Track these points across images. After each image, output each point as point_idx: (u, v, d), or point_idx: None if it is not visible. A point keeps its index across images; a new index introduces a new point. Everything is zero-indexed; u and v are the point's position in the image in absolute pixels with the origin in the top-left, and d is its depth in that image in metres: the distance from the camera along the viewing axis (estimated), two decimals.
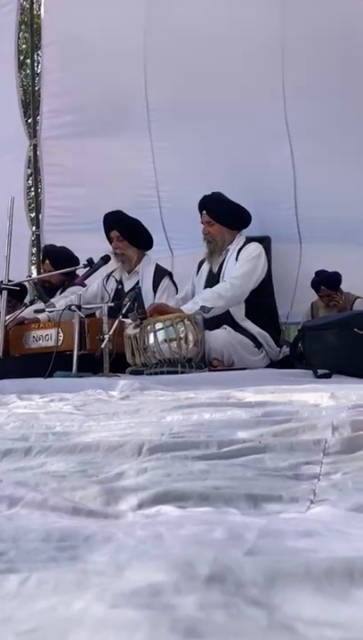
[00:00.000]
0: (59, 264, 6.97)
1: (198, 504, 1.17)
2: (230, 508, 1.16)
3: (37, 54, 9.38)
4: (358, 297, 6.98)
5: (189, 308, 5.77)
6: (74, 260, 6.92)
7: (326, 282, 7.07)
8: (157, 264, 6.67)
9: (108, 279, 6.54)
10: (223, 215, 6.28)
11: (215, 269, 6.28)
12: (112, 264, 6.48)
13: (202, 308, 5.70)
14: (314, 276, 7.12)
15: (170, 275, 6.67)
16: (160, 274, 6.58)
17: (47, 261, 7.31)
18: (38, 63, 9.27)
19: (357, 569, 0.70)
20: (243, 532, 0.91)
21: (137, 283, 6.47)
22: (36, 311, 6.14)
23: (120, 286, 6.54)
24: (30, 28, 9.14)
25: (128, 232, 6.57)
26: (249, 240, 6.36)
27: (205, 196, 6.42)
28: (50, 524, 0.98)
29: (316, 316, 7.06)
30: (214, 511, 1.13)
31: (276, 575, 0.70)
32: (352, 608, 0.65)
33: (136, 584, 0.68)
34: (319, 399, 2.92)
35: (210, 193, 6.43)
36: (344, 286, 7.18)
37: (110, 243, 6.62)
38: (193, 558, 0.72)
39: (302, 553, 0.84)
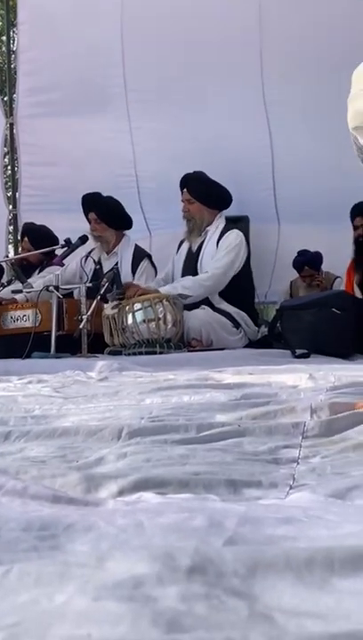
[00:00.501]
0: (37, 242, 6.94)
1: (178, 490, 1.18)
2: (210, 494, 1.16)
3: (13, 32, 9.30)
4: (338, 277, 7.00)
5: (168, 291, 5.78)
6: (53, 240, 6.89)
7: (310, 262, 7.09)
8: (136, 245, 6.67)
9: (86, 259, 6.52)
10: (204, 194, 6.27)
11: (194, 248, 6.28)
12: (90, 244, 6.46)
13: (180, 295, 5.71)
14: (296, 255, 7.13)
15: (149, 257, 6.67)
16: (139, 255, 6.58)
17: (26, 239, 7.26)
18: (14, 41, 9.19)
19: (337, 558, 0.71)
20: (223, 520, 0.92)
21: (116, 264, 6.46)
22: (14, 291, 6.12)
23: (98, 267, 6.53)
24: (6, 5, 9.07)
25: (106, 214, 6.55)
26: (229, 222, 6.35)
27: (186, 174, 6.40)
28: (30, 512, 0.98)
29: (295, 295, 7.08)
30: (194, 498, 1.13)
31: (256, 565, 0.70)
32: (332, 598, 0.66)
33: (118, 576, 0.68)
34: (298, 380, 2.94)
35: (192, 172, 6.42)
36: (323, 266, 7.20)
37: (90, 224, 6.61)
38: (174, 549, 0.73)
39: (281, 541, 0.85)
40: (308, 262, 7.09)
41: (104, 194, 6.72)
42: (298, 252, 7.10)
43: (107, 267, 6.47)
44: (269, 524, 0.92)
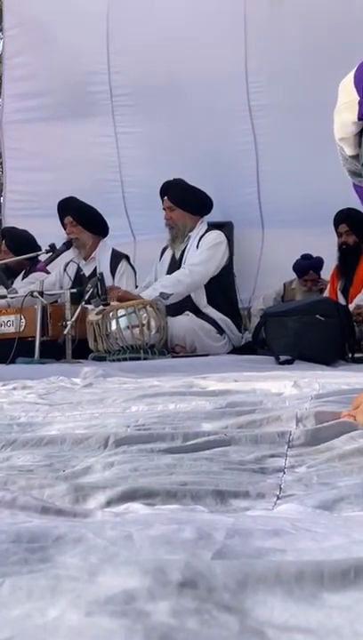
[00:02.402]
0: (15, 247, 6.95)
1: (166, 501, 1.18)
2: (198, 504, 1.17)
3: None
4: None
5: (149, 294, 5.79)
6: (33, 245, 6.89)
7: (315, 266, 7.12)
8: (113, 249, 6.69)
9: (66, 266, 6.53)
10: (185, 200, 6.28)
11: (178, 255, 6.30)
12: (72, 251, 6.48)
13: (161, 294, 5.72)
14: (299, 258, 7.14)
15: (127, 258, 6.69)
16: (117, 258, 6.59)
17: (4, 242, 7.27)
18: (0, 46, 9.20)
19: (326, 573, 0.72)
20: (211, 532, 0.93)
21: (95, 269, 6.47)
22: None
23: (82, 272, 6.54)
24: None
25: (81, 217, 6.56)
26: (211, 227, 6.37)
27: (166, 182, 6.43)
28: (19, 523, 0.98)
29: (290, 297, 7.09)
30: (182, 509, 1.14)
31: (246, 579, 0.71)
32: (322, 612, 0.66)
33: (110, 590, 0.68)
34: (282, 388, 2.94)
35: (172, 179, 6.44)
36: None
37: (65, 229, 6.61)
38: (165, 563, 0.73)
39: (270, 553, 0.85)
40: (313, 266, 7.12)
41: (89, 198, 6.74)
42: (302, 256, 7.13)
43: (86, 272, 6.49)
44: (257, 537, 0.92)
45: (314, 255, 7.16)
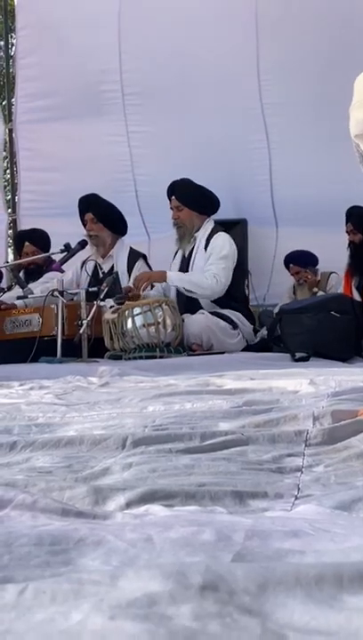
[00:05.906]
0: (43, 246, 6.95)
1: (185, 502, 1.19)
2: (217, 505, 1.18)
3: (11, 37, 9.31)
4: (333, 272, 7.02)
5: (173, 279, 5.83)
6: (50, 245, 6.90)
7: (294, 259, 7.11)
8: (131, 247, 6.69)
9: (83, 264, 6.53)
10: (192, 199, 6.27)
11: (186, 254, 6.30)
12: (88, 250, 6.47)
13: (185, 289, 5.81)
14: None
15: (144, 257, 6.69)
16: (134, 256, 6.59)
17: (27, 243, 7.19)
18: (13, 46, 9.20)
19: (346, 575, 0.72)
20: (230, 534, 0.93)
21: (112, 267, 6.47)
22: (19, 297, 6.07)
23: (102, 269, 6.54)
24: (4, 11, 9.07)
25: (103, 214, 6.56)
26: (216, 226, 6.34)
27: (173, 182, 6.42)
28: (40, 526, 0.99)
29: (297, 295, 7.09)
30: (201, 510, 1.14)
31: (267, 582, 0.71)
32: (342, 615, 0.67)
33: (132, 594, 0.69)
34: (299, 386, 2.95)
35: (179, 178, 6.42)
36: (321, 267, 7.19)
37: (85, 226, 6.61)
38: (185, 566, 0.74)
39: (289, 555, 0.86)
40: (292, 260, 7.11)
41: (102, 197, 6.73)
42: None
43: (104, 270, 6.49)
44: (276, 538, 0.93)
45: (325, 253, 7.11)
